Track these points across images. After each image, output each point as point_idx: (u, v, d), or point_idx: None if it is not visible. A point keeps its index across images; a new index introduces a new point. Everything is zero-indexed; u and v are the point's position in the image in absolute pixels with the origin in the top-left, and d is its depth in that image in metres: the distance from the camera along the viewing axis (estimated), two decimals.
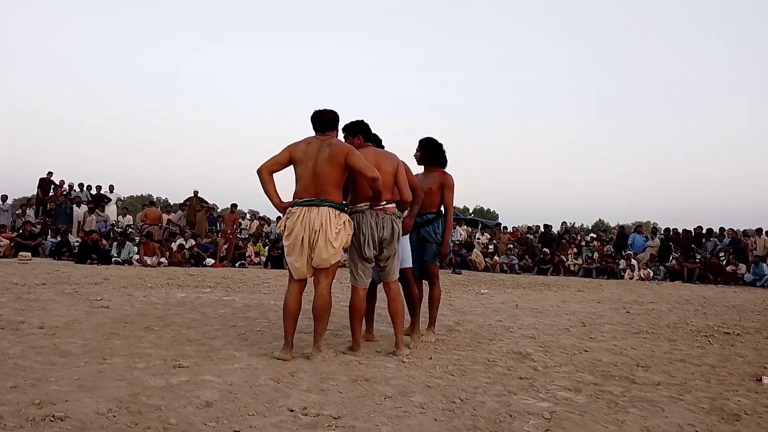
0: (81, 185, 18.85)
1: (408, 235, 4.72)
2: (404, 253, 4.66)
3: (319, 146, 4.00)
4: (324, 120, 4.12)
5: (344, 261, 13.68)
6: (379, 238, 4.18)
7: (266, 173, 4.04)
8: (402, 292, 4.55)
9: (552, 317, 6.87)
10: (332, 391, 3.25)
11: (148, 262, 13.42)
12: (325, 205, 3.94)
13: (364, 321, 4.90)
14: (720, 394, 3.49)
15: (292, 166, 4.09)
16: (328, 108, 4.16)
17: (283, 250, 4.36)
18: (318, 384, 3.38)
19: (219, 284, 9.50)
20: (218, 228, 17.46)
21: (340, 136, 4.33)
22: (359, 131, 4.47)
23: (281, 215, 4.17)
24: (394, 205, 4.29)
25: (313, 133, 4.16)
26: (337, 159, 3.94)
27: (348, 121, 4.49)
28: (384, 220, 4.19)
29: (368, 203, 4.19)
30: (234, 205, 17.68)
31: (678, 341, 5.38)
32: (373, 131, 4.59)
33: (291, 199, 4.08)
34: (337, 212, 3.98)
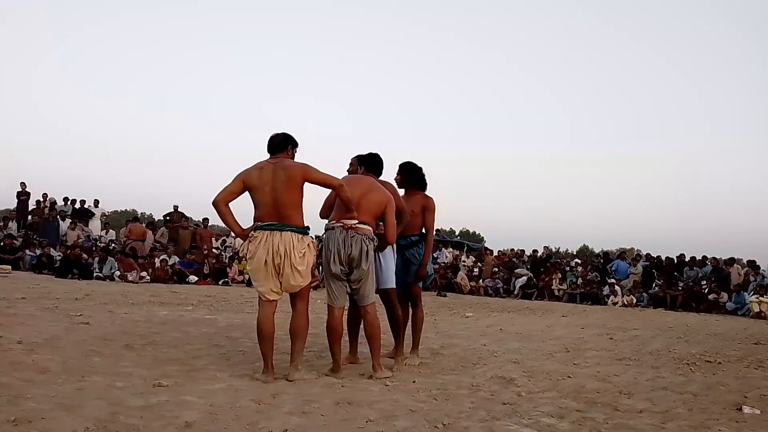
0: (65, 199, 18.68)
1: (392, 256, 4.73)
2: (388, 274, 4.65)
3: (273, 170, 3.96)
4: (274, 143, 4.11)
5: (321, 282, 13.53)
6: (347, 255, 4.13)
7: (222, 205, 4.01)
8: (379, 316, 4.51)
9: (537, 342, 6.87)
10: (314, 414, 3.22)
11: (130, 278, 13.27)
12: (287, 230, 3.93)
13: (349, 343, 4.90)
14: (702, 423, 3.50)
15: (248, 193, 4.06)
16: (280, 132, 4.17)
17: None
18: (300, 406, 3.34)
19: (202, 302, 9.41)
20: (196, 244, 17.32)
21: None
22: (363, 163, 4.69)
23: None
24: (369, 227, 4.27)
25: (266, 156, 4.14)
26: (294, 180, 3.93)
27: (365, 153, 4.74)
28: (354, 238, 4.15)
29: (341, 221, 4.19)
30: (206, 220, 17.66)
31: (661, 368, 5.39)
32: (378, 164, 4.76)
33: (252, 224, 4.07)
34: (300, 236, 3.98)
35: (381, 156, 4.75)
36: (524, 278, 17.29)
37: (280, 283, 3.98)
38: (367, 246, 4.20)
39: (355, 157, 4.87)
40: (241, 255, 4.30)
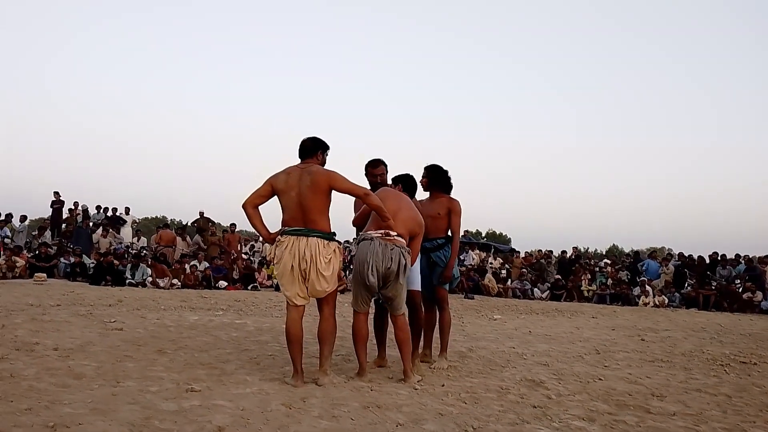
0: (98, 207, 19.10)
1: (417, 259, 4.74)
2: (413, 276, 4.66)
3: (300, 175, 4.00)
4: (304, 148, 4.16)
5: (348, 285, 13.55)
6: (385, 268, 4.12)
7: (250, 208, 4.06)
8: (409, 322, 4.53)
9: (565, 344, 6.81)
10: (344, 417, 3.25)
11: (161, 284, 13.50)
12: (313, 236, 3.96)
13: (376, 346, 4.92)
14: (737, 425, 3.44)
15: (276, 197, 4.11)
16: (310, 136, 4.21)
17: None
18: (329, 410, 3.37)
19: (231, 307, 9.52)
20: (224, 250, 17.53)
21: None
22: (400, 182, 4.79)
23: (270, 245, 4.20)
24: (404, 240, 4.29)
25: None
26: (319, 186, 3.96)
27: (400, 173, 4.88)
28: (393, 251, 4.14)
29: (379, 231, 4.20)
30: (233, 225, 17.86)
31: (693, 370, 5.31)
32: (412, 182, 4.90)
33: (279, 229, 4.10)
34: (326, 242, 4.01)
35: (415, 177, 4.88)
36: (547, 291, 17.03)
37: (307, 288, 4.02)
38: (405, 260, 4.20)
39: (377, 166, 4.88)
40: (268, 259, 4.36)
